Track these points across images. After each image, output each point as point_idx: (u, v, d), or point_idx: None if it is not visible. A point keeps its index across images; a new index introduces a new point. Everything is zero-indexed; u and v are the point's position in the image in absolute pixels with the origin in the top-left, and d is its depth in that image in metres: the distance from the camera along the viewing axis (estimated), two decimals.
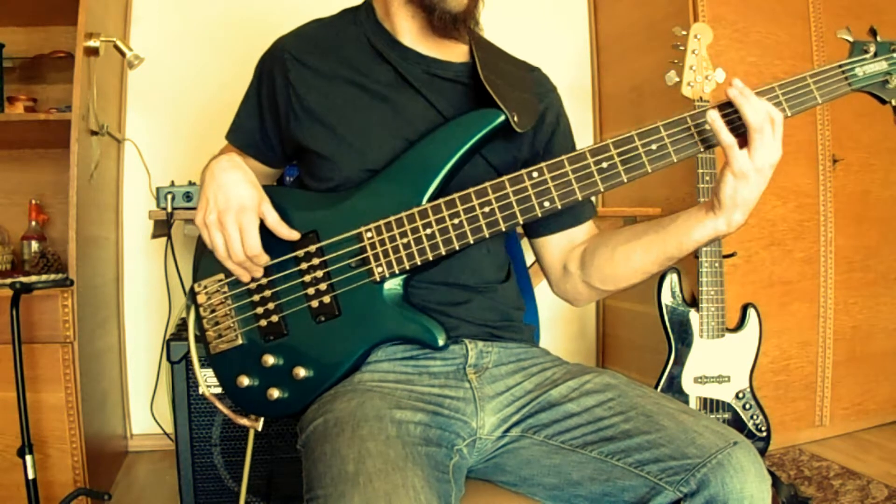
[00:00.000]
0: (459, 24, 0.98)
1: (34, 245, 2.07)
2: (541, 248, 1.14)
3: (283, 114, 1.05)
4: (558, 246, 1.11)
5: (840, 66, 0.90)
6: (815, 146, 2.32)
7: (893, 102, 0.92)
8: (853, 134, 2.38)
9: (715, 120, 0.86)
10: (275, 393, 0.95)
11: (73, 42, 1.80)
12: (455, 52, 1.06)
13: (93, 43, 1.82)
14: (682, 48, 1.70)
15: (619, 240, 1.03)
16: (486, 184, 0.91)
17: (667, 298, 1.75)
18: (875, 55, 0.90)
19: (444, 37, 1.01)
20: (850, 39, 0.92)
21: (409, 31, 1.03)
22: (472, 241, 0.92)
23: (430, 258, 0.92)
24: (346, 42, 1.05)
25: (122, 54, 1.93)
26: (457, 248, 0.92)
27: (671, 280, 1.75)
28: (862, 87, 0.91)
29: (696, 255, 1.72)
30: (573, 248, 1.11)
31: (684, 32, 1.69)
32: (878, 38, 0.91)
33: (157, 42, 2.36)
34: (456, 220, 0.92)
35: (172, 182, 1.99)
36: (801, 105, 0.89)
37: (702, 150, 0.89)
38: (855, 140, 2.38)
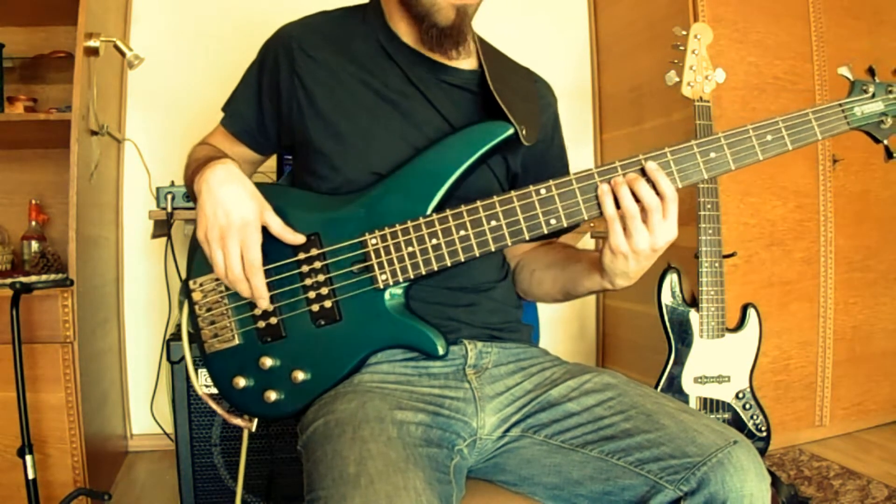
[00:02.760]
0: (446, 40, 0.97)
1: (34, 245, 2.07)
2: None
3: (285, 103, 1.04)
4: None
5: (840, 105, 0.92)
6: (815, 146, 2.32)
7: (886, 142, 0.94)
8: (852, 134, 2.38)
9: (605, 193, 0.87)
10: (272, 395, 0.95)
11: (73, 42, 1.80)
12: (463, 59, 1.06)
13: (93, 43, 1.82)
14: (682, 48, 1.70)
15: (537, 264, 1.11)
16: (495, 198, 0.91)
17: (667, 298, 1.75)
18: (873, 96, 0.92)
19: (434, 50, 1.00)
20: (851, 78, 0.93)
21: (410, 37, 1.03)
22: (477, 255, 0.91)
23: (435, 269, 0.92)
24: (356, 39, 1.04)
25: (122, 54, 1.93)
26: (462, 260, 0.92)
27: (671, 280, 1.75)
28: (859, 125, 0.93)
29: (696, 255, 1.72)
30: (514, 255, 1.16)
31: (684, 32, 1.69)
32: (877, 79, 0.93)
33: (157, 42, 2.36)
34: (462, 233, 0.91)
35: (172, 182, 1.99)
36: (803, 140, 0.90)
37: (705, 177, 0.89)
38: (855, 140, 2.36)
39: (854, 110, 0.92)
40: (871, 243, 2.45)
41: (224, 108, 1.11)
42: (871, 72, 0.93)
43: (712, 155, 0.89)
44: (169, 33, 2.39)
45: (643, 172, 0.87)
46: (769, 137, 0.89)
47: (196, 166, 0.99)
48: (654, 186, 0.86)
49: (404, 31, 1.03)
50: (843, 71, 0.94)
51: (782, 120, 0.90)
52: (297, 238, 0.94)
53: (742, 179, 2.19)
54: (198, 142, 1.15)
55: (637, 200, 0.86)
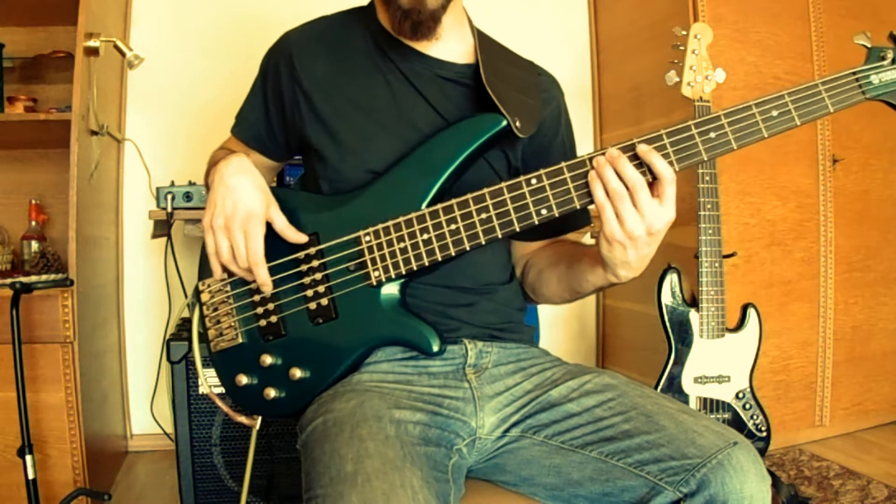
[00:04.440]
0: (407, 22, 0.96)
1: (34, 245, 2.07)
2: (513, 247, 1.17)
3: (288, 109, 1.05)
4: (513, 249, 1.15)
5: (854, 73, 0.85)
6: (815, 146, 2.32)
7: None
8: (853, 134, 2.38)
9: (594, 179, 0.85)
10: (271, 392, 0.96)
11: (73, 42, 1.80)
12: (459, 53, 1.06)
13: (93, 43, 1.82)
14: (682, 48, 1.70)
15: (543, 263, 1.10)
16: (485, 190, 0.90)
17: (667, 298, 1.75)
18: (893, 62, 0.85)
19: (407, 36, 1.00)
20: (868, 45, 0.87)
21: (392, 29, 1.03)
22: (468, 248, 0.91)
23: (427, 264, 0.92)
24: (354, 40, 1.05)
25: (122, 54, 1.94)
26: (453, 254, 0.91)
27: (671, 280, 1.75)
28: (877, 95, 0.86)
29: (696, 255, 1.72)
30: (522, 255, 1.15)
31: (684, 32, 1.69)
32: None
33: (157, 42, 2.36)
34: (453, 227, 0.91)
35: (172, 182, 1.99)
36: (812, 114, 0.85)
37: (705, 158, 0.86)
38: (855, 140, 2.38)
39: (871, 78, 0.85)
40: (871, 243, 2.45)
41: (236, 118, 1.13)
42: (893, 38, 0.86)
43: (712, 135, 0.85)
44: (169, 33, 2.39)
45: (636, 157, 0.84)
46: (774, 113, 0.84)
47: (215, 161, 1.02)
48: (649, 169, 0.84)
49: (387, 23, 1.03)
50: (860, 38, 0.88)
51: (788, 93, 0.84)
52: (300, 237, 0.95)
53: (742, 179, 2.19)
54: (217, 146, 1.17)
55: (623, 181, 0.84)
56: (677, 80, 1.70)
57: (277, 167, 1.19)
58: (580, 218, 1.12)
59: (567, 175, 0.88)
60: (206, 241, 0.96)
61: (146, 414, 2.36)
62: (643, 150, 0.84)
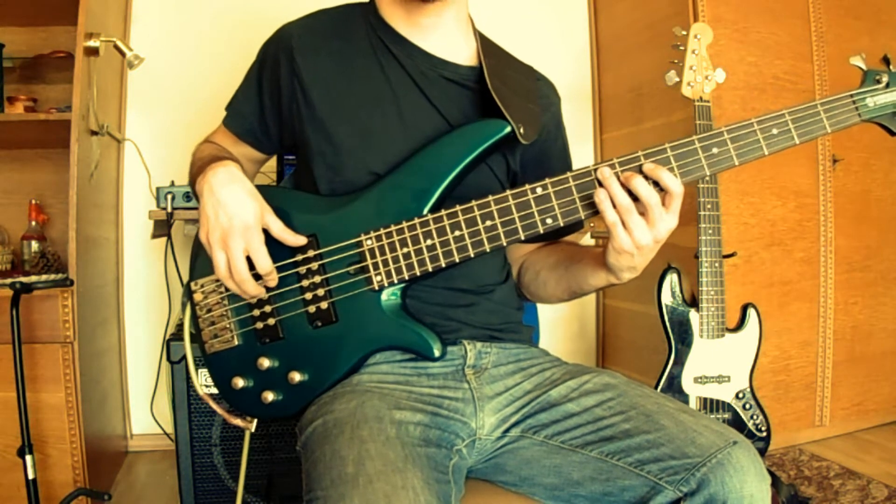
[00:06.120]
0: None
1: (34, 245, 2.07)
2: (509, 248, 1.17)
3: (285, 103, 1.03)
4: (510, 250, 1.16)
5: (851, 96, 0.88)
6: (815, 146, 2.32)
7: None
8: (853, 134, 2.38)
9: (603, 201, 0.86)
10: (269, 396, 0.95)
11: (73, 42, 1.80)
12: (462, 55, 1.05)
13: (93, 43, 1.82)
14: (682, 48, 1.70)
15: (541, 265, 1.11)
16: (490, 197, 0.90)
17: (667, 298, 1.75)
18: (887, 86, 0.88)
19: None
20: (864, 68, 0.89)
21: (399, 18, 1.02)
22: (472, 255, 0.91)
23: (430, 270, 0.91)
24: (355, 36, 1.04)
25: (122, 54, 1.94)
26: (457, 260, 0.91)
27: (671, 280, 1.75)
28: (872, 117, 0.88)
29: (696, 255, 1.72)
30: (519, 256, 1.16)
31: (684, 32, 1.69)
32: (891, 68, 0.89)
33: (157, 42, 2.36)
34: (457, 233, 0.90)
35: (172, 182, 1.99)
36: (811, 133, 0.87)
37: (707, 174, 0.87)
38: (855, 140, 2.38)
39: (866, 101, 0.87)
40: (871, 243, 2.45)
41: (227, 108, 1.11)
42: (886, 61, 0.89)
43: (714, 150, 0.87)
44: (169, 33, 2.39)
45: (641, 170, 0.86)
46: (775, 131, 0.86)
47: (200, 165, 1.00)
48: (655, 184, 0.85)
49: (393, 15, 1.03)
50: (856, 60, 0.90)
51: (789, 112, 0.87)
52: (298, 240, 0.94)
53: (742, 179, 2.19)
54: (201, 140, 1.15)
55: (635, 199, 0.85)
56: (677, 80, 1.70)
57: (265, 160, 1.17)
58: (577, 223, 1.12)
59: (572, 184, 0.89)
60: (209, 255, 0.94)
61: (146, 414, 2.36)
62: (649, 168, 0.86)
